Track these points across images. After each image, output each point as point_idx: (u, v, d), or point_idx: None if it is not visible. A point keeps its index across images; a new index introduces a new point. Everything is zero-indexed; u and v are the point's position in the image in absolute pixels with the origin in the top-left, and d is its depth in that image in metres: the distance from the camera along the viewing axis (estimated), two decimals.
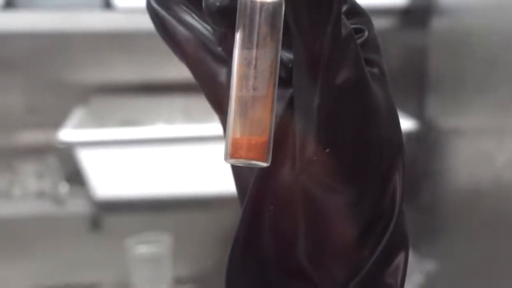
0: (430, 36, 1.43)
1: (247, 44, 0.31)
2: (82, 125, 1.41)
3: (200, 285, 1.72)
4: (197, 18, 0.39)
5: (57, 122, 1.40)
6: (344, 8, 0.35)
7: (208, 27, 0.39)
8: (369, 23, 0.36)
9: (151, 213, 1.58)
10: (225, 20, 0.33)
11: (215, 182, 1.39)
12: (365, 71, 0.33)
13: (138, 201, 1.42)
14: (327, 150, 0.33)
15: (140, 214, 1.58)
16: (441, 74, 1.40)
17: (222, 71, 0.38)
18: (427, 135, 1.41)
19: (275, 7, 0.31)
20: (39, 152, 1.55)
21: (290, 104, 0.34)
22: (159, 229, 1.56)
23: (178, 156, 1.38)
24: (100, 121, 1.47)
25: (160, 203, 1.44)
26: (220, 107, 0.40)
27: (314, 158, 0.33)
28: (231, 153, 0.31)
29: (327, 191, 0.34)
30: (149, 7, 0.40)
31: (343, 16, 0.32)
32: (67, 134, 1.34)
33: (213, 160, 1.36)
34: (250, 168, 0.33)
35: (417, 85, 1.44)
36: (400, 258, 0.36)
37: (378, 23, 0.36)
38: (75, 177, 1.44)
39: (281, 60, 0.33)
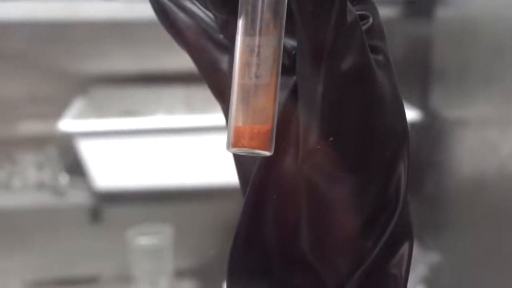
0: (435, 26, 1.42)
1: (249, 31, 0.31)
2: (82, 115, 1.40)
3: (201, 276, 1.72)
4: (198, 5, 0.39)
5: (57, 113, 1.39)
6: None
7: (210, 14, 0.38)
8: (374, 10, 0.35)
9: (152, 204, 1.58)
10: (227, 6, 0.33)
11: (216, 173, 1.39)
12: (370, 58, 0.33)
13: (138, 192, 1.42)
14: (331, 139, 0.32)
15: (140, 205, 1.57)
16: (446, 64, 1.40)
17: (224, 59, 0.38)
18: (431, 126, 1.41)
19: None
20: (39, 142, 1.55)
21: (293, 92, 0.33)
22: (159, 221, 1.56)
23: (179, 147, 1.38)
24: (100, 112, 1.47)
25: (160, 194, 1.43)
26: (222, 96, 0.39)
27: (318, 147, 0.33)
28: (233, 142, 0.31)
29: (330, 181, 0.33)
30: None
31: (348, 2, 0.31)
32: (67, 124, 1.33)
33: (214, 150, 1.36)
34: (253, 158, 0.33)
35: (421, 75, 1.44)
36: (405, 249, 0.36)
37: (382, 13, 0.36)
38: (75, 168, 1.44)
39: (284, 47, 0.32)
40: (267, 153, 0.31)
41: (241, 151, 0.31)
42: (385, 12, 1.39)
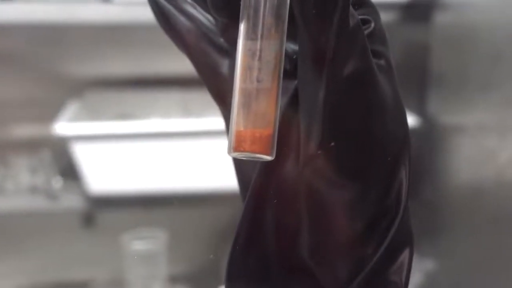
0: (433, 31, 1.42)
1: (251, 35, 0.31)
2: (77, 118, 1.40)
3: (195, 282, 1.72)
4: (198, 8, 0.39)
5: (51, 116, 1.39)
6: None
7: (210, 18, 0.38)
8: (375, 14, 0.36)
9: (146, 209, 1.58)
10: (229, 10, 0.32)
11: (212, 178, 1.39)
12: (372, 63, 0.33)
13: (133, 197, 1.42)
14: (332, 144, 0.32)
15: (134, 209, 1.57)
16: (444, 70, 1.40)
17: (224, 63, 0.38)
18: (429, 132, 1.41)
19: None
20: (32, 146, 1.55)
21: (295, 97, 0.33)
22: (153, 225, 1.55)
23: (175, 151, 1.38)
24: (95, 115, 1.46)
25: (155, 199, 1.43)
26: (222, 100, 0.40)
27: (319, 152, 0.32)
28: (235, 146, 0.31)
29: (331, 186, 0.33)
30: None
31: (350, 7, 0.31)
32: (62, 127, 1.32)
33: (210, 155, 1.36)
34: (253, 162, 0.33)
35: (419, 81, 1.44)
36: (405, 255, 0.36)
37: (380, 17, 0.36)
38: (69, 172, 1.44)
39: (286, 51, 0.32)
40: (269, 158, 0.31)
41: (242, 155, 0.31)
42: (383, 16, 1.37)
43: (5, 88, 1.61)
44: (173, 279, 1.62)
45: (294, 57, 0.33)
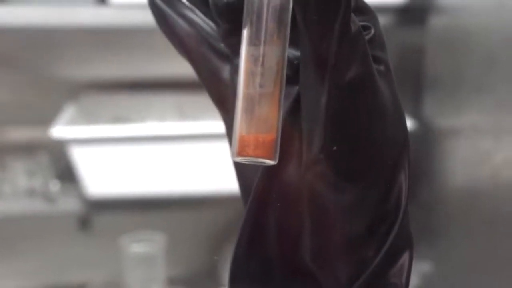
0: (428, 34, 1.43)
1: (254, 40, 0.31)
2: (73, 122, 1.40)
3: (193, 284, 1.72)
4: (198, 13, 0.39)
5: (48, 119, 1.39)
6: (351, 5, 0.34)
7: (210, 23, 0.39)
8: (375, 20, 0.36)
9: (144, 212, 1.58)
10: (232, 16, 0.33)
11: (209, 180, 1.39)
12: (373, 68, 0.33)
13: (130, 200, 1.41)
14: (334, 148, 0.33)
15: (132, 212, 1.57)
16: (439, 73, 1.40)
17: (225, 68, 0.38)
18: (424, 134, 1.41)
19: (283, 4, 0.31)
20: (29, 149, 1.54)
21: (296, 102, 0.34)
22: (151, 228, 1.55)
23: (171, 154, 1.38)
24: (91, 118, 1.46)
25: (152, 202, 1.43)
26: (223, 104, 0.40)
27: (321, 156, 0.33)
28: (238, 151, 0.31)
29: (332, 189, 0.34)
30: (151, 2, 0.40)
31: (352, 13, 0.31)
32: (59, 131, 1.32)
33: (206, 158, 1.36)
34: (255, 166, 0.33)
35: (414, 84, 1.44)
36: (405, 258, 0.36)
37: None
38: (66, 175, 1.43)
39: (287, 57, 0.32)
40: (272, 162, 0.31)
41: (246, 160, 0.31)
42: (379, 20, 1.38)
43: (1, 92, 1.61)
44: (171, 281, 1.62)
45: (295, 62, 0.33)
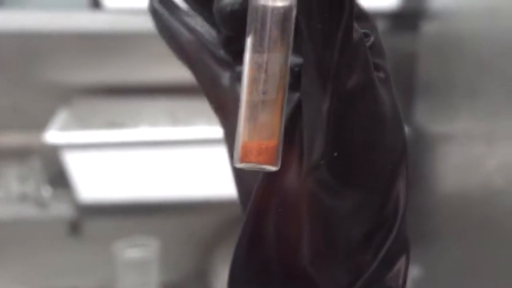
0: (420, 40, 1.43)
1: (258, 48, 0.31)
2: (66, 127, 1.39)
3: None
4: (198, 20, 0.39)
5: (40, 124, 1.38)
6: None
7: (210, 30, 0.39)
8: (374, 27, 0.36)
9: (137, 217, 1.57)
10: (236, 24, 0.33)
11: (202, 185, 1.39)
12: (374, 75, 0.33)
13: (123, 205, 1.41)
14: (335, 154, 0.33)
15: (123, 218, 1.57)
16: (431, 79, 1.40)
17: (225, 74, 0.39)
18: (417, 140, 1.41)
19: (286, 12, 0.31)
20: (22, 154, 1.54)
21: (297, 108, 0.34)
22: (144, 233, 1.55)
23: (164, 160, 1.38)
24: (84, 123, 1.46)
25: (145, 207, 1.43)
26: (222, 110, 0.40)
27: (321, 162, 0.33)
28: (241, 157, 0.31)
29: (332, 195, 0.34)
30: (151, 9, 0.41)
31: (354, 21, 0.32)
32: (52, 136, 1.32)
33: (199, 163, 1.36)
34: (254, 171, 0.33)
35: (406, 90, 1.44)
36: (402, 262, 0.37)
37: None
38: (59, 180, 1.43)
39: None
40: (274, 168, 0.32)
41: (248, 166, 0.31)
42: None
43: None
44: (164, 286, 1.62)
45: (296, 69, 0.33)
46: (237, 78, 0.37)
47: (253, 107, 0.31)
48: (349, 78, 0.32)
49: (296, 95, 0.34)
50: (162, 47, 0.41)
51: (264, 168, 0.31)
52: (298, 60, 0.33)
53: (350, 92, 0.32)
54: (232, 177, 0.41)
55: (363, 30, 0.34)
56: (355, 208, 0.34)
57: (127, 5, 1.33)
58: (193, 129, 1.38)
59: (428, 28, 1.40)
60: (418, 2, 1.41)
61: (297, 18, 0.31)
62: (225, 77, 0.38)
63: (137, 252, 1.51)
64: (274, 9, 0.31)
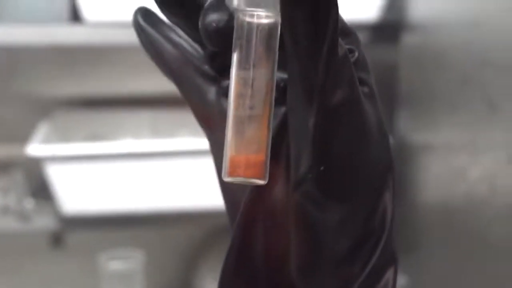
0: (401, 52, 1.44)
1: (244, 64, 0.31)
2: (47, 139, 1.39)
3: None
4: (183, 35, 0.39)
5: (21, 137, 1.38)
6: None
7: (195, 45, 0.39)
8: (357, 42, 0.36)
9: (118, 229, 1.57)
10: (222, 40, 0.33)
11: (184, 197, 1.39)
12: (359, 90, 0.33)
13: (104, 217, 1.41)
14: (322, 168, 0.33)
15: (106, 230, 1.56)
16: (412, 90, 1.41)
17: (210, 89, 0.39)
18: (399, 151, 1.41)
19: (271, 28, 0.32)
20: (3, 167, 1.53)
21: (283, 123, 0.34)
22: (126, 245, 1.55)
23: (146, 171, 1.38)
24: (65, 136, 1.46)
25: (127, 219, 1.43)
26: (207, 123, 0.40)
27: (309, 176, 0.33)
28: (229, 172, 0.32)
29: (319, 208, 0.34)
30: (136, 24, 0.41)
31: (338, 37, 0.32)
32: (34, 148, 1.32)
33: (181, 175, 1.36)
34: (241, 184, 0.33)
35: (387, 101, 1.45)
36: (390, 274, 0.37)
37: None
38: (41, 192, 1.43)
39: None
40: (262, 182, 0.32)
41: (237, 180, 0.32)
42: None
43: None
44: None
45: (282, 84, 0.34)
46: (223, 92, 0.37)
47: (240, 122, 0.31)
48: (335, 93, 0.32)
49: (282, 110, 0.34)
50: (142, 59, 0.41)
51: (252, 182, 0.32)
52: (284, 75, 0.33)
53: (335, 107, 0.32)
54: (219, 189, 0.41)
55: (347, 46, 0.34)
56: (342, 221, 0.34)
57: (107, 18, 1.33)
58: (175, 141, 1.38)
59: (408, 40, 1.41)
60: (398, 14, 1.42)
61: (282, 34, 0.31)
62: (211, 92, 0.38)
63: (121, 264, 1.50)
64: (259, 25, 0.31)
